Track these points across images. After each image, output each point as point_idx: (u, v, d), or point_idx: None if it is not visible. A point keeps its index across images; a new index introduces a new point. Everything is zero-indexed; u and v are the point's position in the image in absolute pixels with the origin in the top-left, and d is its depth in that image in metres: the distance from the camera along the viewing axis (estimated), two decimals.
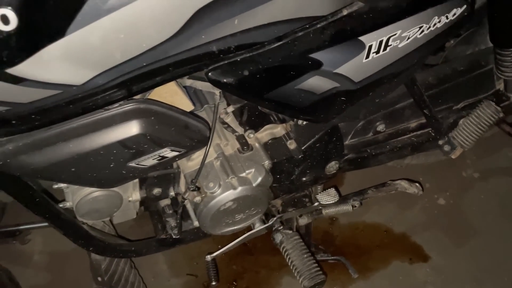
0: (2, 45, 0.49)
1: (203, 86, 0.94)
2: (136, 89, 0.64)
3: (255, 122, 0.98)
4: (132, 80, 0.61)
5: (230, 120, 0.98)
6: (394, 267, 1.40)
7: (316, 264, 1.02)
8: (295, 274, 1.02)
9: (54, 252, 1.49)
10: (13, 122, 0.57)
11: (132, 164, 0.73)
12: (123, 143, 0.68)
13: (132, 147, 0.70)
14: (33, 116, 0.57)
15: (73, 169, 0.68)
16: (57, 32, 0.51)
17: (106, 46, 0.55)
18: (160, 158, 0.75)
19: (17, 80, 0.52)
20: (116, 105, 0.67)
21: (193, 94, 1.01)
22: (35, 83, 0.53)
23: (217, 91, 0.93)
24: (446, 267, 1.39)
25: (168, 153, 0.75)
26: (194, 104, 0.92)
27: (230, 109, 0.94)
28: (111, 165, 0.70)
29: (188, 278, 1.41)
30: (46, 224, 1.42)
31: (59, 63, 0.53)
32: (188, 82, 0.95)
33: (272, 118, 0.99)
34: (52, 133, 0.65)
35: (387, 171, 1.45)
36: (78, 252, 1.45)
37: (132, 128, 0.68)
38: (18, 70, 0.51)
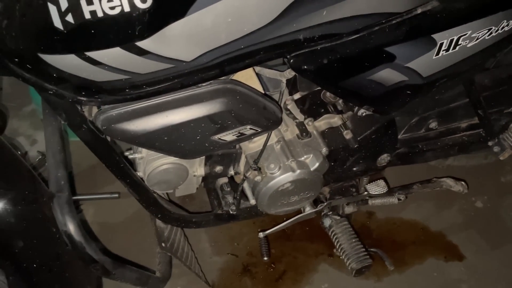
0: (137, 20, 0.56)
1: (270, 73, 1.00)
2: (229, 70, 0.71)
3: (314, 111, 1.03)
4: (228, 61, 0.68)
5: (292, 107, 1.04)
6: (429, 264, 1.43)
7: (364, 249, 1.07)
8: (343, 257, 1.08)
9: (103, 223, 1.57)
10: (127, 90, 0.65)
11: (215, 137, 0.80)
12: (211, 118, 0.75)
13: (218, 122, 0.77)
14: (144, 86, 0.65)
15: (165, 138, 0.75)
16: (180, 12, 0.58)
17: (216, 28, 0.61)
18: (239, 134, 0.82)
19: (142, 52, 0.59)
20: (207, 83, 0.74)
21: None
22: (155, 56, 0.60)
23: (283, 79, 0.98)
24: (480, 267, 1.41)
25: (247, 130, 0.82)
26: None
27: (297, 96, 1.00)
28: (198, 137, 0.77)
29: (229, 257, 1.47)
30: (97, 197, 1.52)
31: (177, 40, 0.60)
32: (256, 69, 1.01)
33: (330, 109, 1.05)
34: (151, 104, 0.72)
35: (428, 171, 1.49)
36: (125, 225, 1.55)
37: (219, 105, 0.75)
38: (145, 43, 0.58)
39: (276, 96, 0.97)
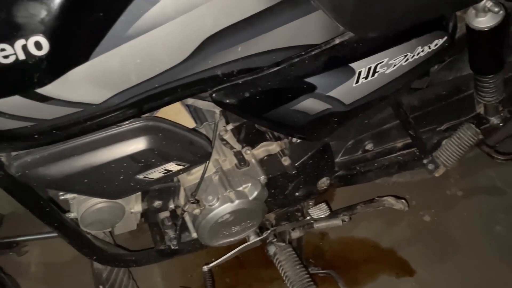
0: (34, 68, 0.55)
1: (204, 105, 1.01)
2: (147, 108, 0.70)
3: (252, 140, 1.04)
4: (144, 100, 0.67)
5: (229, 137, 1.04)
6: (381, 281, 1.45)
7: (308, 275, 1.07)
8: (288, 285, 1.07)
9: (50, 263, 1.51)
10: (36, 136, 0.63)
11: (140, 176, 0.78)
12: (133, 157, 0.74)
13: (141, 161, 0.75)
14: (54, 131, 0.63)
15: (85, 181, 0.73)
16: (82, 57, 0.57)
17: (124, 70, 0.61)
18: (165, 171, 0.81)
19: (44, 99, 0.58)
20: (127, 122, 0.73)
21: (193, 112, 1.07)
22: (60, 102, 0.59)
23: (217, 110, 0.99)
24: (431, 281, 1.43)
25: (173, 167, 0.81)
26: (195, 121, 0.98)
27: (229, 127, 1.00)
28: (121, 178, 0.76)
29: None
30: (43, 236, 1.46)
31: (82, 84, 0.59)
32: (190, 101, 1.01)
33: (268, 136, 1.05)
34: (68, 147, 0.70)
35: (375, 189, 1.51)
36: (73, 264, 1.50)
37: (141, 143, 0.74)
38: (46, 90, 0.57)
39: (213, 126, 0.97)
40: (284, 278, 1.09)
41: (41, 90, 0.57)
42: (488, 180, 1.68)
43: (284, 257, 1.09)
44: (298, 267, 1.07)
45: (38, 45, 0.53)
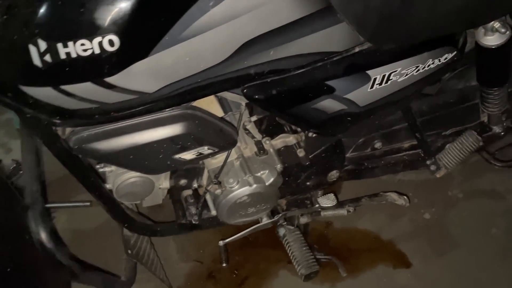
0: (106, 61, 0.66)
1: (231, 97, 1.11)
2: (188, 98, 0.81)
3: (271, 131, 1.14)
4: (187, 92, 0.78)
5: (251, 127, 1.14)
6: (380, 270, 1.53)
7: (313, 256, 1.18)
8: (294, 264, 1.19)
9: (75, 230, 1.63)
10: (96, 116, 0.74)
11: (176, 157, 0.90)
12: (172, 139, 0.86)
13: (179, 143, 0.87)
14: (111, 113, 0.75)
15: (131, 156, 0.85)
16: (143, 53, 0.68)
17: (175, 65, 0.72)
18: (198, 154, 0.93)
19: (110, 86, 0.69)
20: (169, 108, 0.85)
21: (220, 102, 1.18)
22: (122, 90, 0.70)
23: (243, 102, 1.09)
24: (426, 274, 1.51)
25: (205, 150, 0.92)
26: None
27: (253, 118, 1.11)
28: (160, 156, 0.87)
29: (195, 264, 1.54)
30: (69, 204, 1.59)
31: (141, 76, 0.70)
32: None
33: (286, 129, 1.16)
34: (119, 127, 0.82)
35: (380, 185, 1.60)
36: (96, 232, 1.62)
37: (180, 128, 0.85)
38: (113, 79, 0.69)
39: (237, 116, 1.08)
40: (291, 257, 1.20)
41: (108, 79, 0.68)
42: (489, 184, 1.72)
43: (293, 238, 1.20)
44: (304, 248, 1.18)
45: (111, 42, 0.64)
